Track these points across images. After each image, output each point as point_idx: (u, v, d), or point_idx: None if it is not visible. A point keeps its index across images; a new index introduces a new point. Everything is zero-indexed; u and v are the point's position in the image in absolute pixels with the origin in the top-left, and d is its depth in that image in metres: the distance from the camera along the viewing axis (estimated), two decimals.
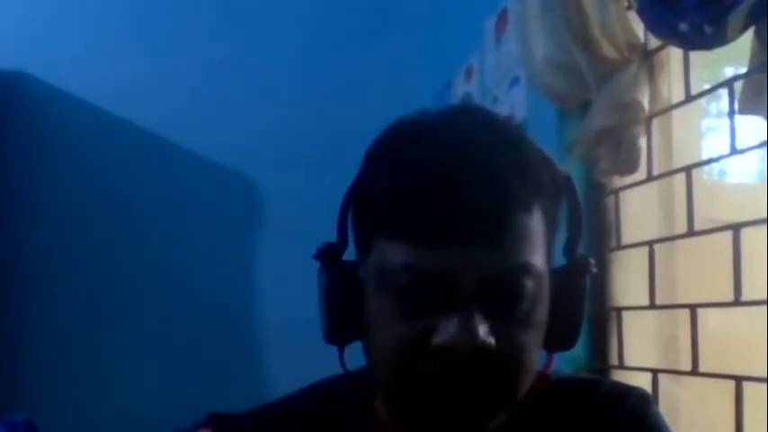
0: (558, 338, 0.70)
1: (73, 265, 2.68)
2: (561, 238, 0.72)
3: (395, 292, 0.65)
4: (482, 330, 0.63)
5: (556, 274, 0.70)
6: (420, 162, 0.66)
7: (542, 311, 0.67)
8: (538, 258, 0.66)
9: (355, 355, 0.73)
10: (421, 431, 0.70)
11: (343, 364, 0.71)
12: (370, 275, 0.68)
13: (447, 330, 0.63)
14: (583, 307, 0.71)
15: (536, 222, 0.66)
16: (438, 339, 0.63)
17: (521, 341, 0.65)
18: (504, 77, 2.08)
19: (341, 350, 0.71)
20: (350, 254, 0.72)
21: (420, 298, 0.64)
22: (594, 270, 0.72)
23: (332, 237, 0.72)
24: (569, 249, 0.72)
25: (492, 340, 0.63)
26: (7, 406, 2.34)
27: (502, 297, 0.65)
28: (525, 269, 0.65)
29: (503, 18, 2.09)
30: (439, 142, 0.67)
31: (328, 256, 0.71)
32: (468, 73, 2.38)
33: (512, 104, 2.01)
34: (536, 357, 0.69)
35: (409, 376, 0.65)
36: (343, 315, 0.70)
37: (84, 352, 2.63)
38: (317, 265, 0.72)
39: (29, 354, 2.64)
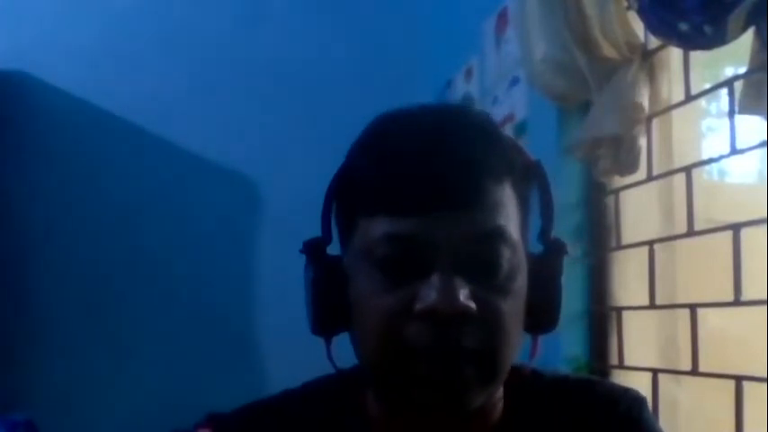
0: (540, 320, 0.72)
1: (72, 264, 2.67)
2: (537, 228, 0.74)
3: (377, 264, 0.67)
4: (462, 294, 0.64)
5: (533, 259, 0.72)
6: (396, 140, 0.70)
7: (521, 283, 0.69)
8: (512, 228, 0.69)
9: (345, 354, 0.74)
10: (410, 424, 0.70)
11: (330, 356, 0.72)
12: (355, 256, 0.70)
13: (428, 295, 0.64)
14: (560, 287, 0.73)
15: (508, 196, 0.69)
16: (420, 305, 0.65)
17: (501, 308, 0.67)
18: (504, 77, 2.08)
19: (328, 342, 0.72)
20: (334, 251, 0.74)
21: (401, 266, 0.67)
22: (569, 252, 0.73)
23: None
24: (544, 234, 0.73)
25: (472, 304, 0.64)
26: (7, 406, 2.34)
27: (479, 262, 0.66)
28: (499, 233, 0.67)
29: (503, 18, 2.09)
30: (415, 125, 0.71)
31: (313, 249, 0.73)
32: (468, 73, 2.38)
33: (512, 104, 2.01)
34: (519, 330, 0.70)
35: (395, 346, 0.66)
36: (328, 305, 0.71)
37: (84, 352, 2.63)
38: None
39: (29, 354, 2.64)
